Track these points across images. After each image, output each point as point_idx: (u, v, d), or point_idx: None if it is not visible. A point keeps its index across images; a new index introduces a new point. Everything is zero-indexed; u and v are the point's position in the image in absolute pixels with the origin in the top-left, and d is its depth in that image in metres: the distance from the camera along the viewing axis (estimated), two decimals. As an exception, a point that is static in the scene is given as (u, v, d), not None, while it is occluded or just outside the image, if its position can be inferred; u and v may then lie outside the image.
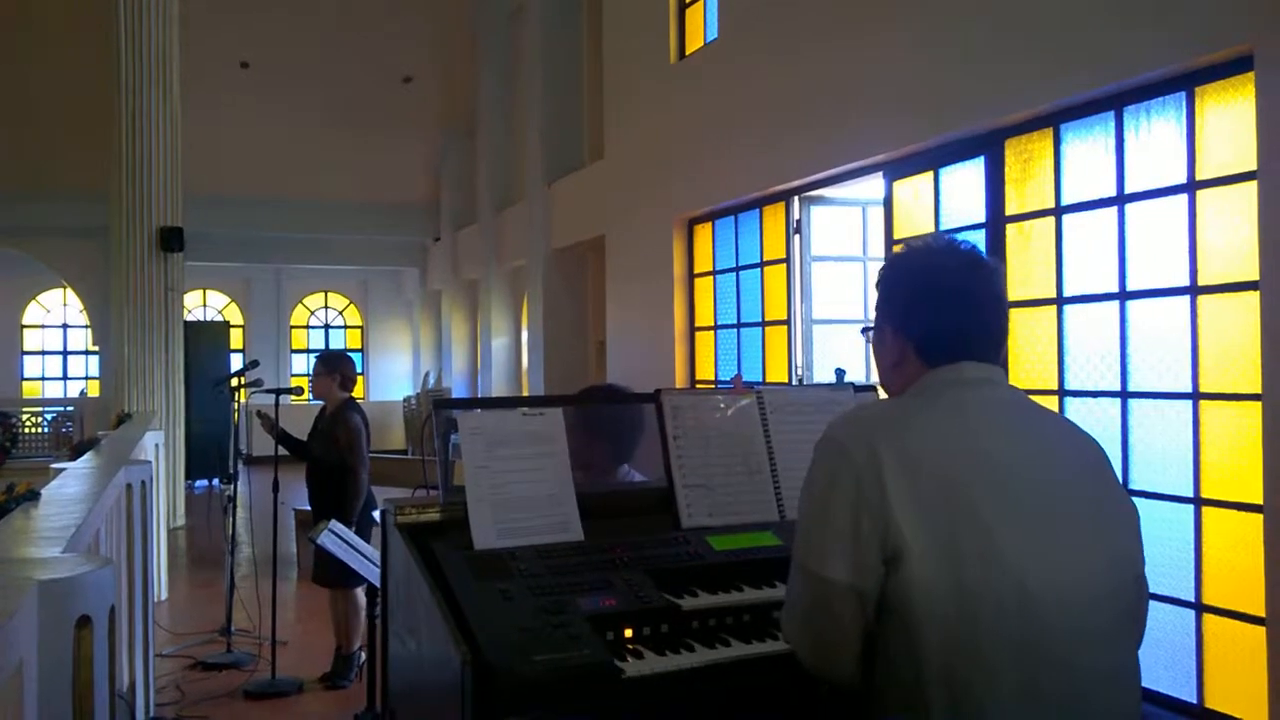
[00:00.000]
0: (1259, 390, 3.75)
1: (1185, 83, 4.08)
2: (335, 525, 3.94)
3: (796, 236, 6.88)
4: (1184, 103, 4.11)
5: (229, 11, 14.35)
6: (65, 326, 19.10)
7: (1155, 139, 4.27)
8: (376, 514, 4.00)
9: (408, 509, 2.13)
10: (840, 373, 3.11)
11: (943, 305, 1.65)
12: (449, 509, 2.14)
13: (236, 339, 18.72)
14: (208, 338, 14.67)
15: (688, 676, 1.81)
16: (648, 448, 2.64)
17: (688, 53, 8.25)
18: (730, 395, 2.44)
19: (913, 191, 5.75)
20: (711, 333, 7.92)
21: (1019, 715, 1.44)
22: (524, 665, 1.70)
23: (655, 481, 2.44)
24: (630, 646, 1.87)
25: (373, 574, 3.75)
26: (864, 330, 1.84)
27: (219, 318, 19.49)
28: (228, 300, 20.22)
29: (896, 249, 1.79)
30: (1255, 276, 3.75)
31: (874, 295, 1.78)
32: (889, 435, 1.54)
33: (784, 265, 6.95)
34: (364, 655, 5.48)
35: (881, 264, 1.79)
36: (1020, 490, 1.52)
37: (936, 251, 1.71)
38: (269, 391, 5.65)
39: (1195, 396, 4.08)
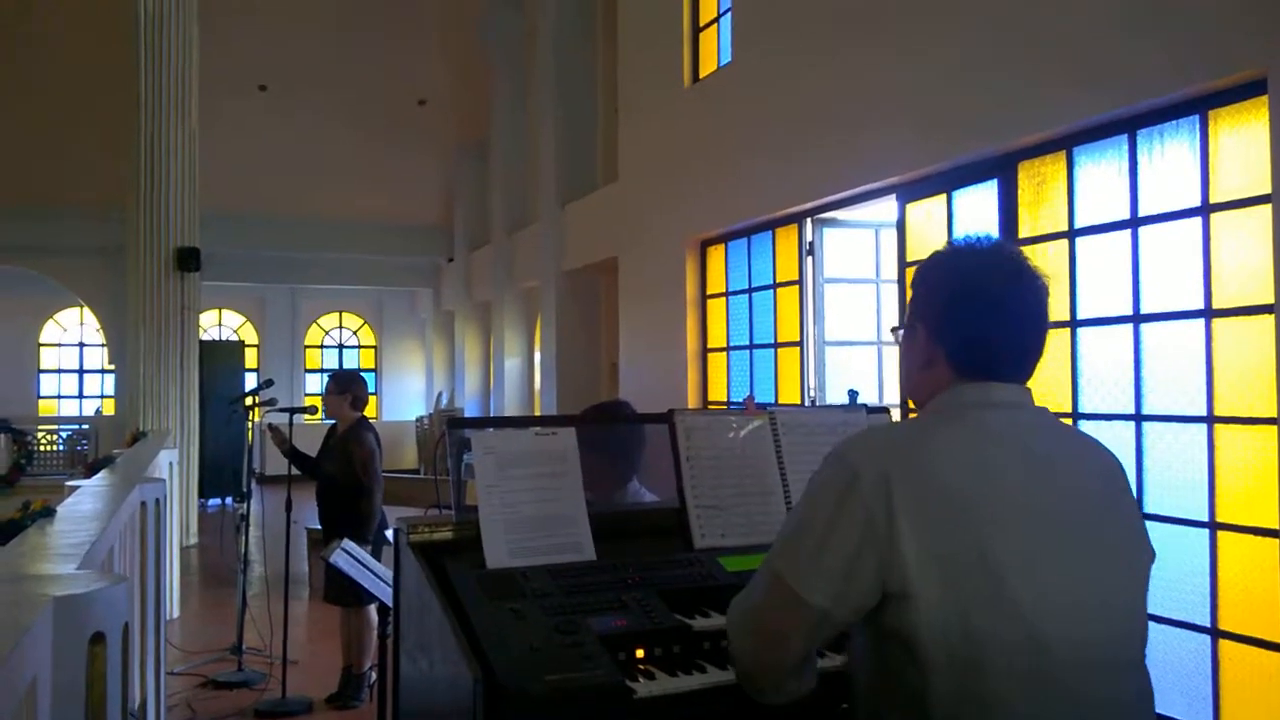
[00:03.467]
0: (1274, 414, 3.73)
1: (1199, 106, 4.08)
2: (348, 544, 3.95)
3: (809, 258, 6.89)
4: (1197, 126, 4.11)
5: (247, 34, 14.52)
6: (82, 345, 19.23)
7: (1169, 162, 4.27)
8: (389, 533, 4.01)
9: (420, 527, 2.14)
10: (853, 394, 3.09)
11: (982, 313, 1.58)
12: (462, 528, 2.14)
13: (251, 358, 18.81)
14: (222, 357, 14.76)
15: (700, 697, 1.81)
16: (657, 466, 2.64)
17: (702, 75, 8.30)
18: (743, 416, 2.44)
19: (925, 214, 5.75)
20: (724, 354, 7.92)
21: None
22: (536, 685, 1.70)
23: (667, 502, 2.44)
24: (642, 667, 1.87)
25: (385, 593, 3.75)
26: (894, 329, 1.78)
27: (234, 337, 19.60)
28: (242, 320, 20.34)
29: (940, 248, 1.71)
30: (1270, 300, 3.74)
31: (906, 294, 1.73)
32: (903, 464, 1.49)
33: (796, 287, 6.95)
34: (374, 675, 5.48)
35: (924, 260, 1.71)
36: (1036, 525, 1.48)
37: (982, 254, 1.64)
38: (284, 410, 5.68)
39: (1210, 420, 4.06)
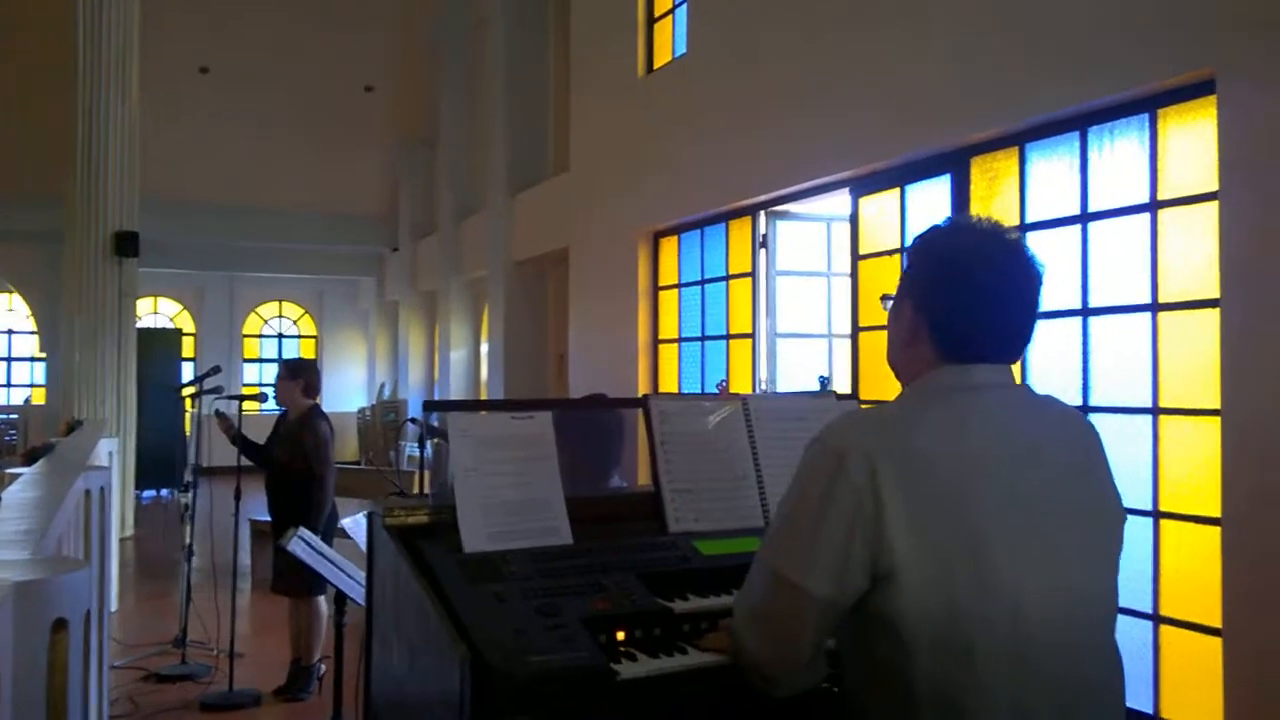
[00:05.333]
0: (1218, 405, 3.84)
1: (1148, 105, 4.18)
2: (304, 532, 3.89)
3: (762, 251, 6.93)
4: (1147, 124, 4.21)
5: (190, 14, 14.17)
6: (10, 332, 18.64)
7: (1119, 159, 4.37)
8: (345, 523, 3.96)
9: (396, 510, 2.11)
10: (824, 380, 3.13)
11: (970, 295, 1.57)
12: (437, 511, 2.12)
13: (188, 347, 18.39)
14: (159, 345, 14.44)
15: (682, 679, 1.81)
16: (635, 460, 2.64)
17: (655, 67, 8.29)
18: (716, 401, 2.45)
19: (878, 208, 5.82)
20: (675, 345, 7.94)
21: None
22: (521, 666, 1.69)
23: (639, 486, 2.45)
24: (623, 649, 1.87)
25: (343, 581, 3.71)
26: (883, 297, 1.78)
27: (170, 325, 19.15)
28: (179, 308, 19.88)
29: (938, 223, 1.68)
30: (1215, 294, 3.85)
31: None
32: (888, 447, 1.49)
33: (749, 279, 6.99)
34: (324, 667, 5.41)
35: (920, 234, 1.69)
36: (1020, 507, 1.49)
37: (976, 233, 1.62)
38: (232, 398, 5.58)
39: (1155, 411, 4.17)
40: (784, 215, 6.93)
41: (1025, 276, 1.60)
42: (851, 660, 1.59)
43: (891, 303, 1.70)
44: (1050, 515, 1.52)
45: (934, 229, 1.69)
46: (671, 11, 8.13)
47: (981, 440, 1.52)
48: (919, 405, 1.59)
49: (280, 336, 20.83)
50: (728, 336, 7.24)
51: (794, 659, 1.56)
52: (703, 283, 7.59)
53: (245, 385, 19.05)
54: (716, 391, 6.67)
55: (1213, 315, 3.89)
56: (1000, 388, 1.60)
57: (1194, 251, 4.03)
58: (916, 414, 1.56)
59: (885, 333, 1.73)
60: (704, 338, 7.55)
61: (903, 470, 1.46)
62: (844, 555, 1.46)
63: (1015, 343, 1.61)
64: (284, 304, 20.85)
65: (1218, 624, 3.85)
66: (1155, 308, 4.17)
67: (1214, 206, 3.86)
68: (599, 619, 1.88)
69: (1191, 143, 4.06)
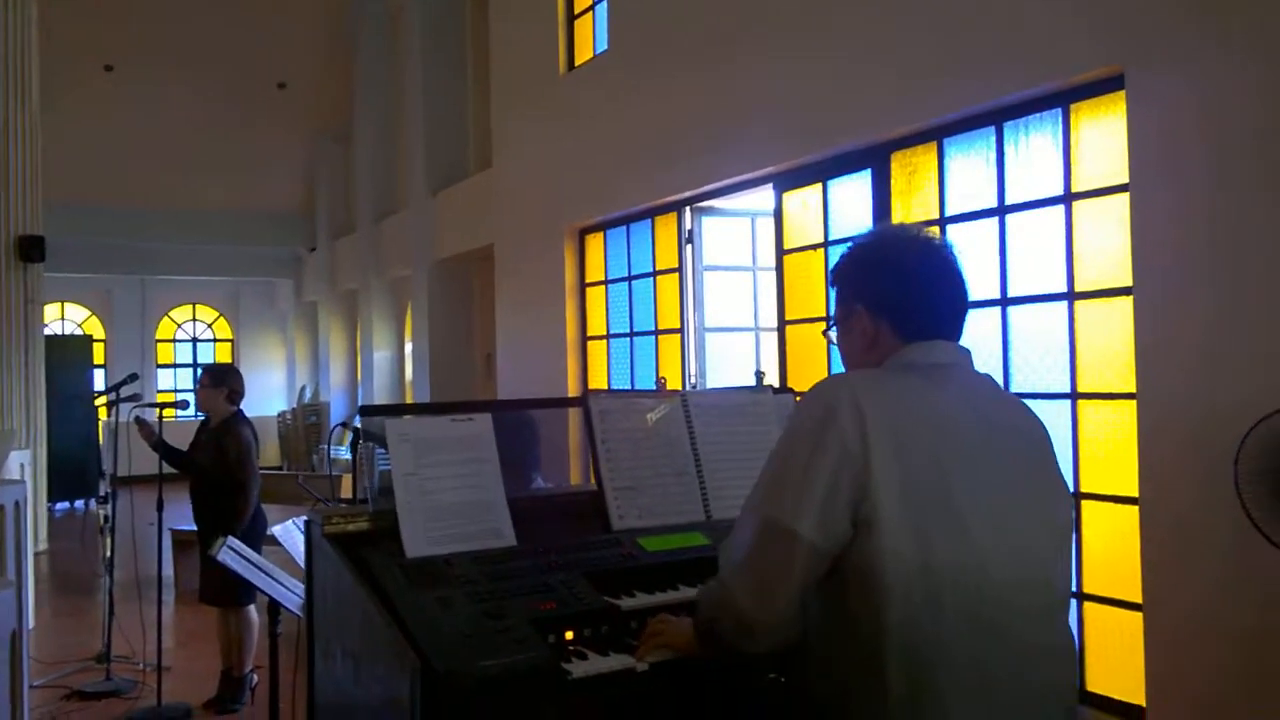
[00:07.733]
0: (1133, 389, 3.98)
1: (1061, 100, 4.31)
2: (233, 541, 3.81)
3: (688, 246, 6.97)
4: (1060, 119, 4.34)
5: (92, 12, 13.69)
6: (-94, 342, 17.85)
7: (1033, 153, 4.50)
8: (274, 529, 3.88)
9: (335, 518, 2.09)
10: (759, 375, 3.18)
11: (906, 276, 1.72)
12: (378, 518, 2.10)
13: (99, 354, 17.81)
14: (69, 353, 14.00)
15: (632, 676, 1.82)
16: (550, 460, 2.63)
17: (577, 64, 8.27)
18: (655, 398, 2.47)
19: (801, 202, 5.90)
20: (604, 342, 7.94)
21: (969, 684, 1.52)
22: (472, 670, 1.68)
23: (575, 486, 2.45)
24: (572, 648, 1.88)
25: (275, 589, 3.64)
26: (826, 330, 1.88)
27: (79, 332, 18.52)
28: (88, 313, 19.24)
29: (857, 239, 1.85)
30: (1128, 283, 3.99)
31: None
32: (876, 400, 1.58)
33: (676, 275, 7.03)
34: (255, 677, 5.31)
35: (845, 253, 1.82)
36: (988, 475, 1.59)
37: (895, 237, 1.79)
38: (151, 405, 5.43)
39: (1074, 396, 4.31)
40: (709, 211, 6.98)
41: (945, 258, 1.76)
42: (822, 615, 1.63)
43: (835, 323, 1.82)
44: (1014, 485, 1.62)
45: (854, 245, 1.83)
46: (592, 8, 8.12)
47: (953, 408, 1.64)
48: (896, 373, 1.70)
49: (195, 340, 20.31)
50: (656, 332, 7.27)
51: (780, 608, 1.59)
52: (630, 279, 7.60)
53: (160, 392, 18.51)
54: (655, 388, 6.69)
55: (1126, 303, 4.03)
56: (962, 367, 1.73)
57: (1107, 241, 4.16)
58: (895, 378, 1.68)
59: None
60: (632, 334, 7.57)
61: (889, 423, 1.55)
62: (831, 499, 1.53)
63: (961, 315, 1.77)
64: (198, 307, 20.33)
65: (1138, 599, 3.99)
66: (1071, 296, 4.30)
67: (1125, 198, 4.00)
68: (547, 619, 1.89)
69: (1103, 136, 4.19)
